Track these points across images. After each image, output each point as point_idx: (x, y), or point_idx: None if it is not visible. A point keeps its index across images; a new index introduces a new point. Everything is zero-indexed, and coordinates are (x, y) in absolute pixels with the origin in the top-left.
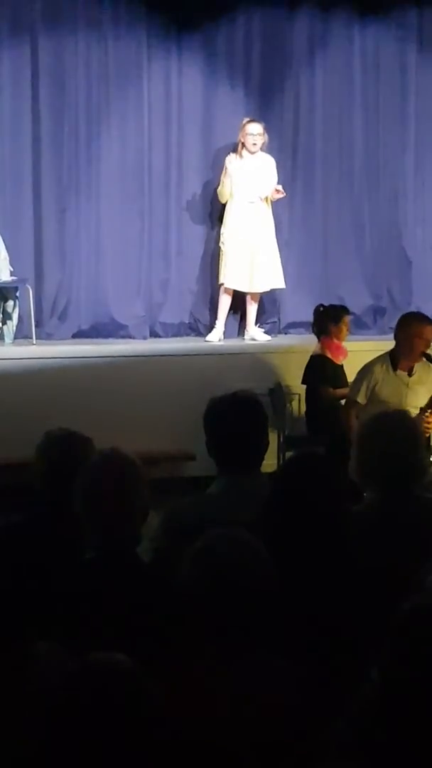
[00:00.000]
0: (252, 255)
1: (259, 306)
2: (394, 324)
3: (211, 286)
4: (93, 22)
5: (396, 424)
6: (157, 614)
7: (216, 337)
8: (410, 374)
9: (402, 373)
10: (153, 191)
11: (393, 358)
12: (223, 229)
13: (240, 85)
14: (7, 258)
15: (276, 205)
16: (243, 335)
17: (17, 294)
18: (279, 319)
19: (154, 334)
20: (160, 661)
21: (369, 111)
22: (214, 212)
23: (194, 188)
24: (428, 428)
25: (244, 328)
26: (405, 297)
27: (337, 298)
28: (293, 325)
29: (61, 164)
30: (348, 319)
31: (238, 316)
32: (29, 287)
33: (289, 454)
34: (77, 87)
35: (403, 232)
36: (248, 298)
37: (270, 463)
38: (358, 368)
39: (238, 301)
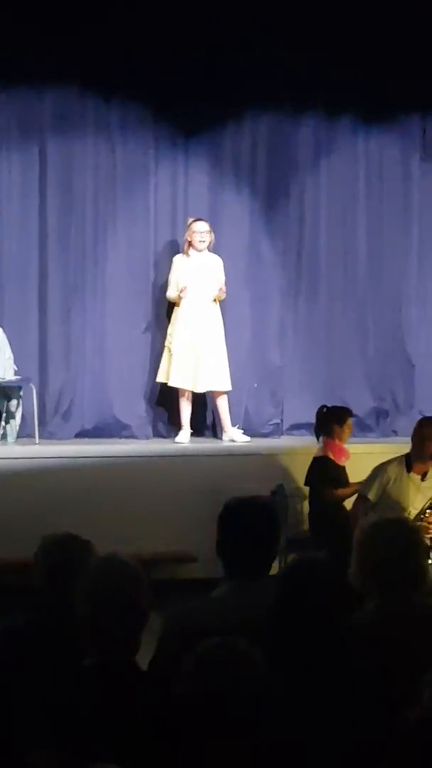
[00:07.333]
0: (198, 356)
1: (260, 407)
2: (397, 427)
3: None
4: (101, 125)
5: (395, 531)
6: (154, 724)
7: (185, 437)
8: (423, 478)
9: (415, 476)
10: (158, 292)
11: (408, 460)
12: (170, 329)
13: (246, 188)
14: (12, 357)
15: (280, 306)
16: (221, 437)
17: (21, 393)
18: (282, 420)
19: (157, 434)
20: None
21: (373, 216)
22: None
23: None
24: (429, 529)
25: (222, 430)
26: (408, 400)
27: (340, 400)
28: (296, 427)
29: (68, 264)
30: (351, 420)
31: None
32: (33, 386)
33: (291, 556)
34: (85, 188)
35: (406, 335)
36: (216, 399)
37: (272, 565)
38: (361, 470)
39: (211, 403)
